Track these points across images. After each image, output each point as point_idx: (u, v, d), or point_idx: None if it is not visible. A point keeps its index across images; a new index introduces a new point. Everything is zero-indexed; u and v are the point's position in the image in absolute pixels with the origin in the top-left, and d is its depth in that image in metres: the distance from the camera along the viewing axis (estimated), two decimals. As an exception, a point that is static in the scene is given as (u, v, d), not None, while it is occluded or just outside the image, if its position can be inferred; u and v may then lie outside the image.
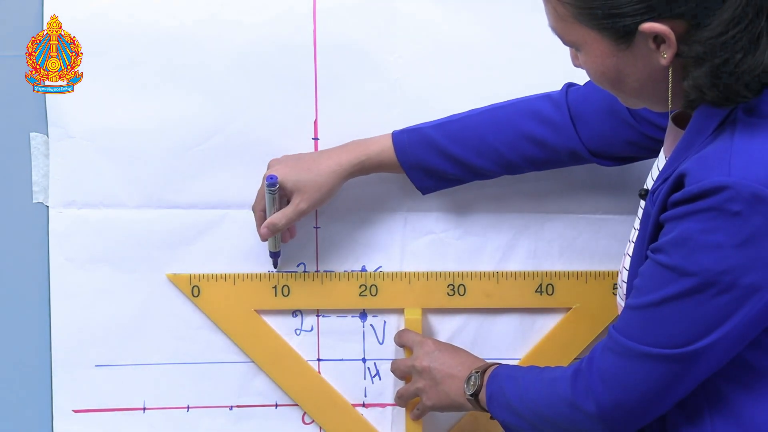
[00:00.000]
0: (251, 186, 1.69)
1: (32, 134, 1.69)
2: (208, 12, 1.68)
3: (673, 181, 1.26)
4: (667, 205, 1.27)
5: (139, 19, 1.67)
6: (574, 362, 1.40)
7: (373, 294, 1.72)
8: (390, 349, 1.74)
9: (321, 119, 1.70)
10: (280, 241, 1.69)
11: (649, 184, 1.42)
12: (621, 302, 1.44)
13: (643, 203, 1.39)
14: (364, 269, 1.73)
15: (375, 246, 1.73)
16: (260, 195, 1.65)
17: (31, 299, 1.71)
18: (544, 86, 1.71)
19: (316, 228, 1.73)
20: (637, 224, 1.41)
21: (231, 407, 1.74)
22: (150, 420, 1.73)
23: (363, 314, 1.74)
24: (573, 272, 1.73)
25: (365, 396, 1.75)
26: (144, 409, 1.73)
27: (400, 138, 1.65)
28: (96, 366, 1.72)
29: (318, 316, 1.74)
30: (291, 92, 1.69)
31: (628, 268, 1.39)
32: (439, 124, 1.65)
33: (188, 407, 1.74)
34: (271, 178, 1.60)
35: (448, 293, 1.73)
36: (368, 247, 1.73)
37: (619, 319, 1.33)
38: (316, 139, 1.70)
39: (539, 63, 1.71)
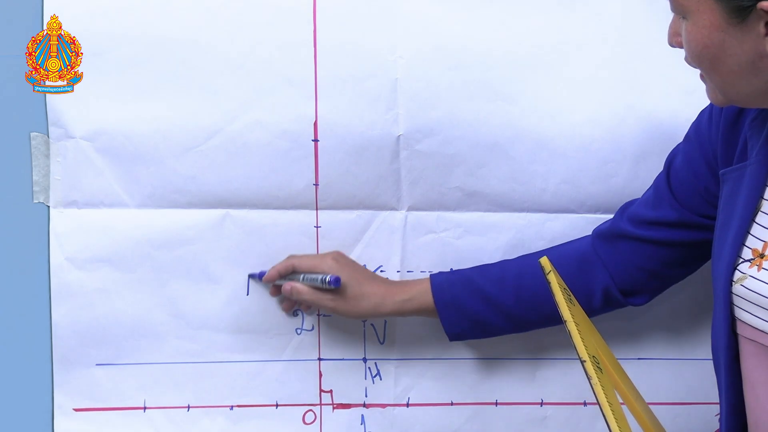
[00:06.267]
0: (251, 186, 1.69)
1: (32, 134, 1.69)
2: (209, 12, 1.68)
3: None
4: None
5: (139, 19, 1.67)
6: None
7: None
8: (391, 349, 1.75)
9: (321, 120, 1.70)
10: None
11: None
12: None
13: None
14: (364, 269, 1.74)
15: (375, 246, 1.73)
16: (285, 269, 1.69)
17: (31, 299, 1.70)
18: (544, 86, 1.71)
19: (317, 228, 1.73)
20: None
21: (231, 407, 1.74)
22: (150, 419, 1.74)
23: (363, 314, 1.75)
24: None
25: (366, 396, 1.75)
26: (144, 408, 1.73)
27: (438, 277, 1.67)
28: (96, 365, 1.72)
29: (319, 315, 1.75)
30: (291, 92, 1.69)
31: None
32: (478, 267, 1.68)
33: (189, 407, 1.74)
34: (337, 282, 1.65)
35: None
36: (368, 247, 1.74)
37: None
38: (316, 140, 1.70)
39: (540, 63, 1.71)
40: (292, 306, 1.73)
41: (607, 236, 1.65)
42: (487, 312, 1.65)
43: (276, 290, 1.72)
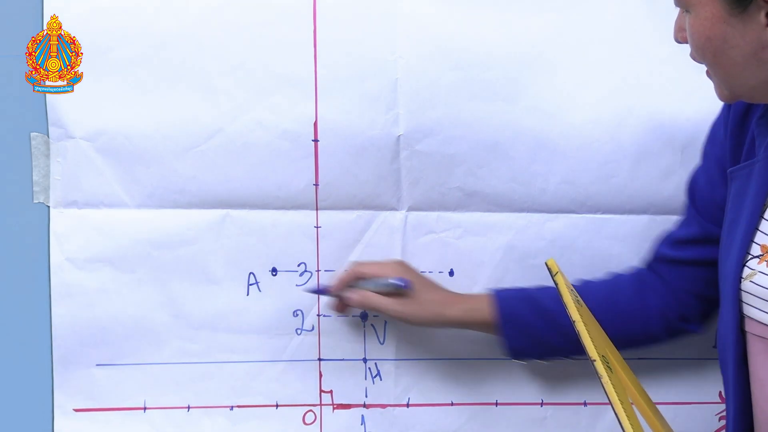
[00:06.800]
0: (251, 186, 1.69)
1: (32, 134, 1.69)
2: (209, 12, 1.68)
3: None
4: None
5: (139, 19, 1.67)
6: None
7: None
8: (391, 350, 1.75)
9: (321, 120, 1.70)
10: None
11: None
12: None
13: None
14: (364, 269, 1.74)
15: (375, 246, 1.73)
16: (350, 277, 1.68)
17: (31, 299, 1.70)
18: (544, 86, 1.71)
19: (317, 228, 1.73)
20: None
21: (231, 407, 1.74)
22: (150, 419, 1.73)
23: (364, 314, 1.74)
24: None
25: (366, 396, 1.75)
26: (144, 408, 1.73)
27: (501, 291, 1.66)
28: (97, 365, 1.72)
29: (319, 315, 1.74)
30: (291, 92, 1.69)
31: None
32: (543, 287, 1.66)
33: (189, 407, 1.74)
34: (406, 285, 1.64)
35: None
36: (368, 247, 1.73)
37: None
38: (316, 140, 1.70)
39: (540, 63, 1.71)
40: (345, 308, 1.72)
41: (650, 261, 1.65)
42: (547, 329, 1.64)
43: (340, 304, 1.71)
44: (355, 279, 1.68)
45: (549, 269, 1.42)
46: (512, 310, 1.64)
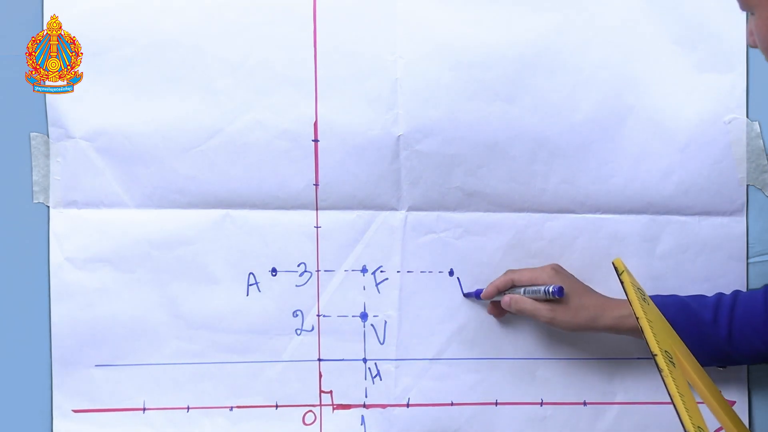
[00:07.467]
0: (251, 186, 1.70)
1: (32, 134, 1.69)
2: (209, 12, 1.68)
3: None
4: None
5: (139, 19, 1.68)
6: None
7: None
8: (391, 350, 1.74)
9: (321, 120, 1.70)
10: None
11: None
12: None
13: None
14: (364, 269, 1.73)
15: (375, 246, 1.73)
16: (504, 284, 1.69)
17: (31, 299, 1.70)
18: (544, 86, 1.72)
19: (317, 228, 1.73)
20: None
21: (231, 408, 1.74)
22: (150, 420, 1.73)
23: (364, 314, 1.74)
24: None
25: (366, 396, 1.75)
26: (144, 409, 1.73)
27: (654, 298, 1.63)
28: (96, 366, 1.72)
29: (319, 315, 1.74)
30: (291, 92, 1.69)
31: None
32: (698, 296, 1.65)
33: (188, 407, 1.74)
34: (561, 292, 1.64)
35: None
36: (368, 247, 1.74)
37: None
38: (316, 141, 1.70)
39: (540, 63, 1.72)
40: (502, 313, 1.72)
41: None
42: (697, 337, 1.61)
43: (492, 307, 1.72)
44: (511, 286, 1.69)
45: (615, 268, 1.42)
46: (665, 316, 1.61)
